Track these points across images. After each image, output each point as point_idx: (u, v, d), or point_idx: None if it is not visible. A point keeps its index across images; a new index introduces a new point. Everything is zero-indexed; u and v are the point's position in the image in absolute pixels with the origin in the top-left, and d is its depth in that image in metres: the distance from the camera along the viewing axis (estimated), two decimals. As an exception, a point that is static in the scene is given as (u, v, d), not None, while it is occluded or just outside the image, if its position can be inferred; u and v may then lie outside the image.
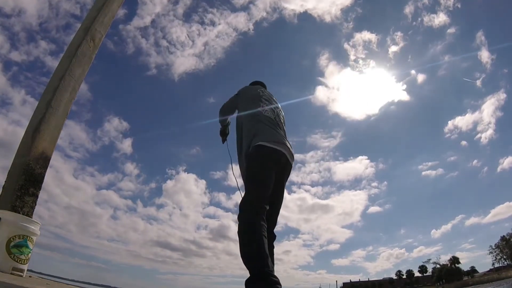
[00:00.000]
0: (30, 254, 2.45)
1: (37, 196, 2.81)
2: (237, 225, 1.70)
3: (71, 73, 3.20)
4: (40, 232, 2.59)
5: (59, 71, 3.19)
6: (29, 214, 2.69)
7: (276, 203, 1.94)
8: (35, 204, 2.79)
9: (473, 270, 53.33)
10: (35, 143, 2.84)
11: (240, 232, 1.64)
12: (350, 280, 69.35)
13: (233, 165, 2.25)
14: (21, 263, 2.35)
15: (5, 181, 2.72)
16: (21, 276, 2.33)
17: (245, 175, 1.90)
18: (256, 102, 2.16)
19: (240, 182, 2.17)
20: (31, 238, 2.46)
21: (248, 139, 1.96)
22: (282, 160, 1.90)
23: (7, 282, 1.66)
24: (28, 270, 2.46)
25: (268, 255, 1.61)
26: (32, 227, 2.49)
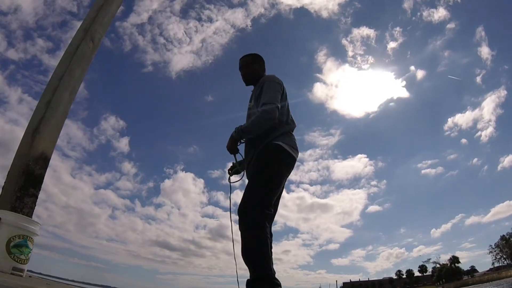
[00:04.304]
0: (30, 254, 2.46)
1: (36, 197, 2.81)
2: (237, 223, 1.70)
3: (71, 73, 3.20)
4: (39, 232, 2.60)
5: (59, 71, 3.19)
6: (29, 214, 2.69)
7: (276, 203, 1.95)
8: (35, 205, 2.79)
9: (473, 270, 53.43)
10: (35, 143, 2.84)
11: (244, 232, 1.63)
12: (350, 280, 69.37)
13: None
14: (21, 263, 2.36)
15: (5, 182, 2.72)
16: (21, 276, 2.34)
17: (257, 171, 1.82)
18: (286, 100, 2.01)
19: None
20: (31, 238, 2.47)
21: (266, 136, 1.86)
22: (293, 165, 1.91)
23: (7, 282, 1.66)
24: (28, 270, 2.47)
25: (271, 257, 1.62)
26: (32, 227, 2.49)
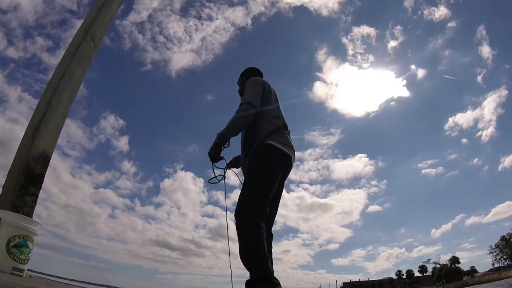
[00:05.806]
0: (30, 254, 2.46)
1: (37, 196, 2.82)
2: (235, 223, 1.70)
3: (71, 73, 3.21)
4: (39, 232, 2.60)
5: (59, 71, 3.19)
6: (29, 213, 2.70)
7: (275, 202, 1.94)
8: (35, 204, 2.80)
9: (473, 270, 53.38)
10: (35, 143, 2.84)
11: (242, 232, 1.62)
12: (350, 280, 69.37)
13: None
14: (21, 263, 2.36)
15: (6, 181, 2.73)
16: (21, 276, 2.34)
17: (251, 172, 1.81)
18: (274, 101, 2.00)
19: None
20: (31, 238, 2.47)
21: (256, 136, 1.87)
22: (289, 163, 1.90)
23: (7, 282, 1.67)
24: (28, 269, 2.47)
25: (268, 257, 1.62)
26: (32, 227, 2.49)
